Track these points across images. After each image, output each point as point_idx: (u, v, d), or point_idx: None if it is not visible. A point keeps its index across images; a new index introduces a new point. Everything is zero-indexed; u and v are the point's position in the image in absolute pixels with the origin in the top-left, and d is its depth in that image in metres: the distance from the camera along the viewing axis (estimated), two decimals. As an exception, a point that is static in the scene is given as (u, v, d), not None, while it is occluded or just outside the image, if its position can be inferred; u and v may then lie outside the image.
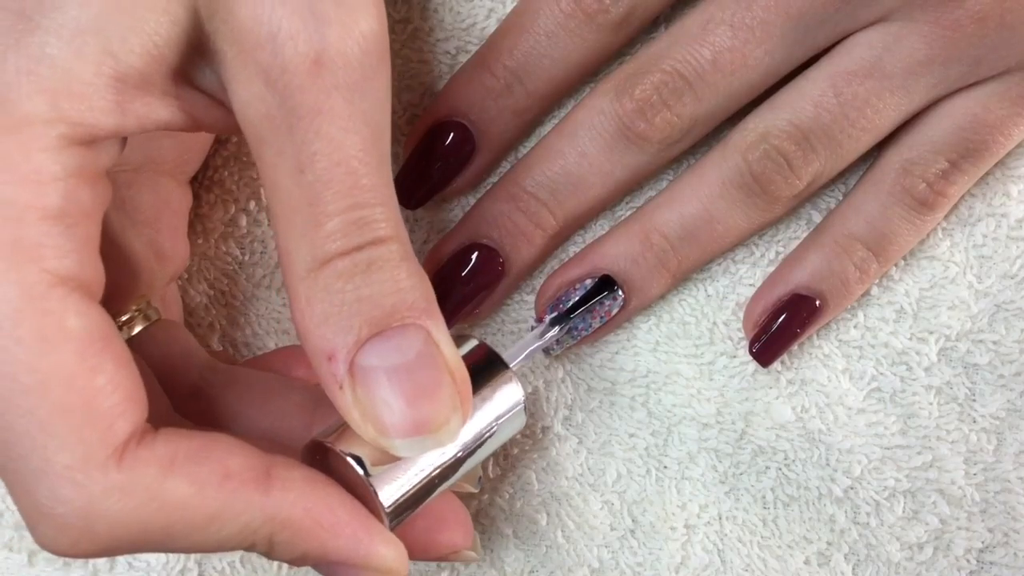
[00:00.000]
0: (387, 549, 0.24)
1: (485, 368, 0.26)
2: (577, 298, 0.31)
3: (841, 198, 0.33)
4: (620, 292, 0.31)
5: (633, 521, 0.34)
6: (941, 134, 0.30)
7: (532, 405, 0.34)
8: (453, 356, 0.23)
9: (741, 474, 0.34)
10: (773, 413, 0.33)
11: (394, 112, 0.32)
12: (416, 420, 0.22)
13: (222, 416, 0.28)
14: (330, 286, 0.22)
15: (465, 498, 0.34)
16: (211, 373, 0.29)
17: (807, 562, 0.34)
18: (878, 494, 0.33)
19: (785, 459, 0.33)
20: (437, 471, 0.25)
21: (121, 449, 0.22)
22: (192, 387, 0.28)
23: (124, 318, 0.28)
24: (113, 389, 0.22)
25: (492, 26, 0.31)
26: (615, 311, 0.31)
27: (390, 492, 0.24)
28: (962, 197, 0.32)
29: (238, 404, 0.28)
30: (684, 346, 0.33)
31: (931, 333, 0.33)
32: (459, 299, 0.32)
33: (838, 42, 0.29)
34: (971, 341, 0.33)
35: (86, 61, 0.21)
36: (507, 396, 0.26)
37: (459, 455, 0.25)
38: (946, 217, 0.33)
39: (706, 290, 0.33)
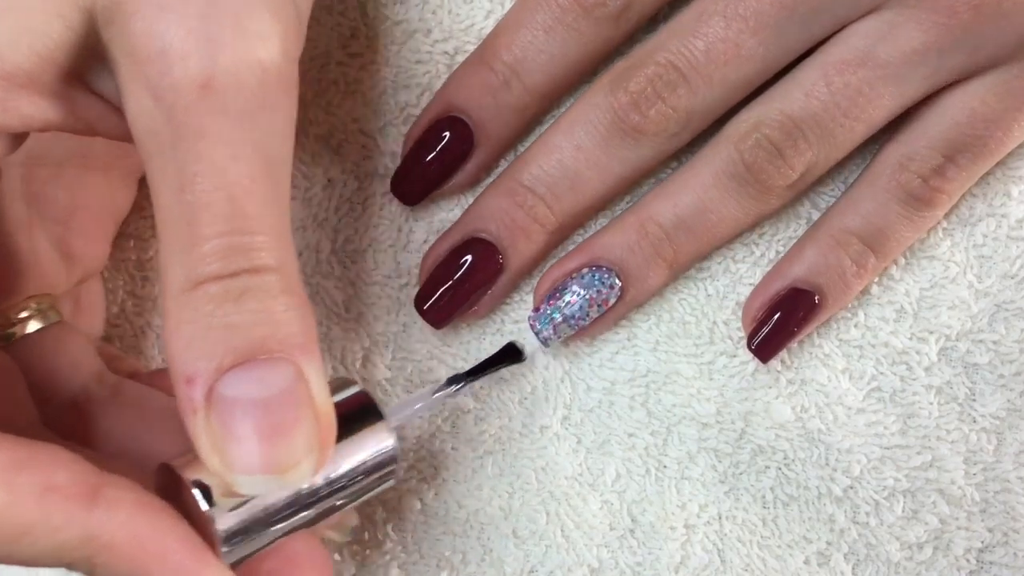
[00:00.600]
0: None
1: (360, 416, 0.25)
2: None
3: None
4: (617, 280, 0.31)
5: (632, 521, 0.34)
6: (937, 129, 0.30)
7: (531, 404, 0.34)
8: (322, 397, 0.22)
9: (741, 474, 0.34)
10: (773, 413, 0.33)
11: (391, 112, 0.32)
12: (265, 458, 0.21)
13: (95, 432, 0.27)
14: (200, 308, 0.21)
15: (480, 514, 0.34)
16: (96, 385, 0.28)
17: (807, 562, 0.34)
18: (878, 494, 0.33)
19: (785, 459, 0.33)
20: (287, 512, 0.24)
21: None
22: (70, 398, 0.27)
23: (21, 315, 0.27)
24: None
25: (490, 27, 0.31)
26: (612, 300, 0.31)
27: (229, 524, 0.23)
28: (963, 197, 0.32)
29: (114, 421, 0.27)
30: (684, 346, 0.33)
31: (931, 333, 0.33)
32: (458, 295, 0.31)
33: (835, 33, 0.29)
34: (971, 341, 0.33)
35: None
36: (379, 449, 0.25)
37: (313, 501, 0.24)
38: (946, 217, 0.32)
39: (706, 289, 0.33)
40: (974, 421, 0.33)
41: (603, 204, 0.32)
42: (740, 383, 0.33)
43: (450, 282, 0.31)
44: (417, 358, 0.34)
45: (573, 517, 0.34)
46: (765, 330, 0.32)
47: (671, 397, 0.34)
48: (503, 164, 0.33)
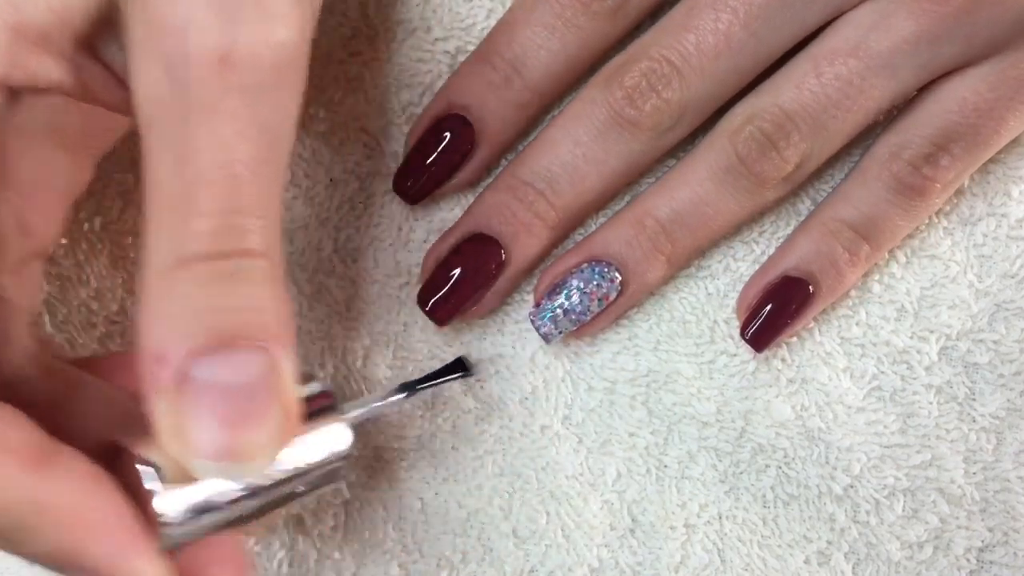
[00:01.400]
0: (149, 568, 0.22)
1: (320, 413, 0.25)
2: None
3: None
4: (617, 275, 0.31)
5: (633, 520, 0.34)
6: (928, 117, 0.30)
7: (531, 404, 0.34)
8: (290, 391, 0.22)
9: (741, 473, 0.34)
10: (773, 412, 0.33)
11: (392, 111, 0.32)
12: (227, 445, 0.21)
13: (33, 415, 0.26)
14: (184, 288, 0.21)
15: (481, 513, 0.34)
16: (29, 365, 0.27)
17: (807, 561, 0.34)
18: (878, 493, 0.33)
19: (785, 458, 0.33)
20: (232, 502, 0.23)
21: None
22: (5, 376, 0.26)
23: None
24: None
25: (491, 26, 0.31)
26: (613, 295, 0.31)
27: (172, 507, 0.23)
28: (963, 196, 0.32)
29: (47, 401, 0.26)
30: (684, 345, 0.33)
31: (932, 332, 0.33)
32: (462, 292, 0.32)
33: (829, 22, 0.29)
34: (971, 340, 0.33)
35: None
36: (335, 446, 0.25)
37: (260, 492, 0.24)
38: (947, 216, 0.33)
39: (707, 288, 0.33)
40: (974, 420, 0.33)
41: (602, 200, 0.32)
42: (740, 382, 0.33)
43: (453, 279, 0.31)
44: (418, 357, 0.34)
45: (573, 517, 0.34)
46: (759, 320, 0.32)
47: (671, 396, 0.34)
48: (503, 163, 0.33)
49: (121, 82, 0.23)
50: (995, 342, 0.33)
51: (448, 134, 0.31)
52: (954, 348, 0.33)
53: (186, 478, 0.23)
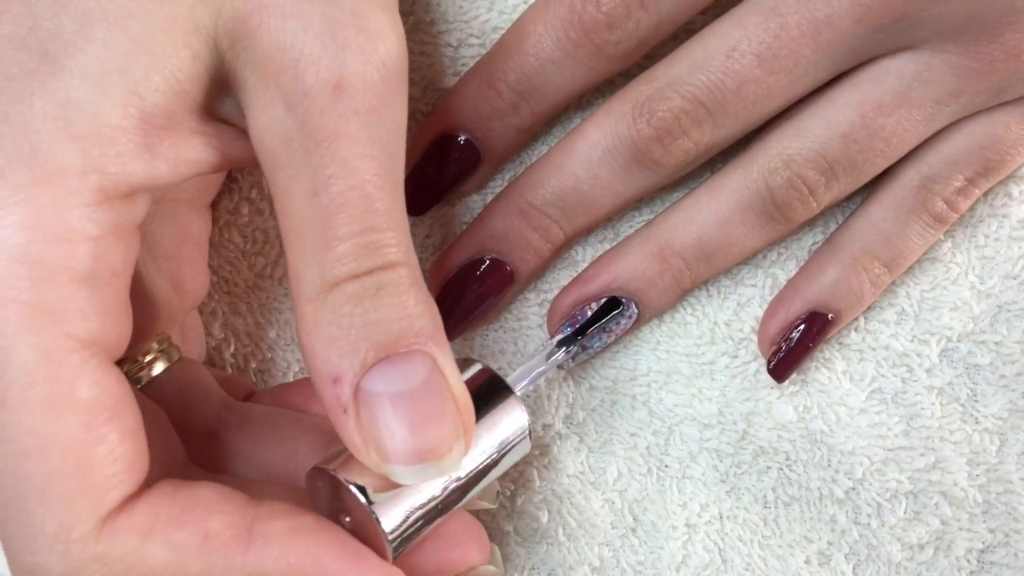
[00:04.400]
0: None
1: (489, 393, 0.26)
2: (585, 320, 0.31)
3: (844, 200, 0.32)
4: (635, 309, 0.31)
5: (634, 520, 0.34)
6: (961, 153, 0.30)
7: (533, 403, 0.34)
8: (458, 383, 0.23)
9: (742, 474, 0.34)
10: (775, 413, 0.33)
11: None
12: (419, 448, 0.22)
13: (236, 458, 0.28)
14: (338, 309, 0.22)
15: (482, 513, 0.34)
16: (226, 413, 0.29)
17: (807, 562, 0.34)
18: (880, 495, 0.33)
19: (786, 459, 0.33)
20: (441, 498, 0.25)
21: (105, 519, 0.22)
22: (209, 429, 0.28)
23: (146, 359, 0.28)
24: (113, 460, 0.22)
25: (494, 19, 0.31)
26: (630, 327, 0.32)
27: (393, 520, 0.24)
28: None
29: (251, 446, 0.28)
30: (685, 345, 0.33)
31: (932, 334, 0.33)
32: (467, 308, 0.31)
33: (864, 63, 0.29)
34: (973, 342, 0.33)
35: (113, 103, 0.21)
36: (511, 421, 0.26)
37: (463, 482, 0.25)
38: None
39: (707, 290, 0.33)
40: (977, 422, 0.33)
41: (609, 220, 0.32)
42: (742, 383, 0.33)
43: (460, 302, 0.31)
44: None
45: (575, 515, 0.34)
46: (782, 353, 0.32)
47: (673, 397, 0.33)
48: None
49: (243, 134, 0.24)
50: (997, 343, 0.33)
51: (453, 154, 0.31)
52: (955, 350, 0.33)
53: (391, 486, 0.24)
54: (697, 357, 0.33)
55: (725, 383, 0.33)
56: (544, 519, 0.34)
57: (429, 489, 0.25)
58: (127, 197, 0.22)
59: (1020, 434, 0.33)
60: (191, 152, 0.23)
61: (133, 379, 0.27)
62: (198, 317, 0.33)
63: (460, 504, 0.25)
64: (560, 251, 0.32)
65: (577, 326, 0.31)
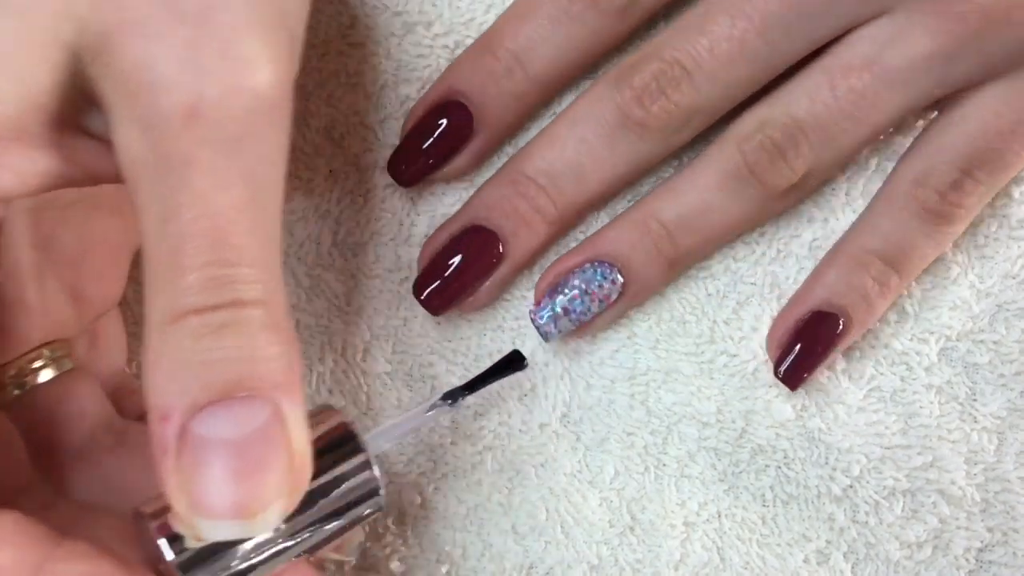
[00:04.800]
0: None
1: (340, 448, 0.24)
2: (478, 375, 0.29)
3: (844, 197, 0.32)
4: (619, 276, 0.31)
5: (632, 518, 0.34)
6: (952, 143, 0.30)
7: (530, 401, 0.34)
8: (300, 438, 0.21)
9: (740, 472, 0.34)
10: (773, 412, 0.33)
11: (391, 105, 0.32)
12: (233, 502, 0.20)
13: (96, 481, 0.27)
14: (179, 343, 0.20)
15: (480, 509, 0.34)
16: (102, 434, 0.27)
17: (806, 560, 0.34)
18: (878, 494, 0.33)
19: (784, 458, 0.33)
20: (261, 554, 0.23)
21: None
22: (76, 448, 0.27)
23: (32, 365, 0.27)
24: None
25: (491, 21, 0.31)
26: (614, 296, 0.31)
27: (194, 572, 0.22)
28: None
29: (117, 470, 0.27)
30: (684, 344, 0.33)
31: (932, 333, 0.33)
32: (457, 282, 0.31)
33: (843, 35, 0.29)
34: (972, 341, 0.33)
35: None
36: (358, 481, 0.24)
37: (289, 539, 0.23)
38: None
39: (706, 288, 0.33)
40: (975, 421, 0.33)
41: (604, 199, 0.32)
42: (740, 382, 0.33)
43: (450, 270, 0.31)
44: (417, 352, 0.34)
45: (573, 514, 0.34)
46: (791, 357, 0.32)
47: (671, 395, 0.33)
48: (501, 159, 0.33)
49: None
50: (995, 342, 0.33)
51: (446, 119, 0.31)
52: (954, 349, 0.33)
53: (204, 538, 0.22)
54: (696, 356, 0.33)
55: (724, 382, 0.33)
56: (542, 517, 0.34)
57: (248, 544, 0.23)
58: None
59: (1018, 433, 0.33)
60: (46, 164, 0.22)
61: (16, 384, 0.26)
62: (120, 326, 0.31)
63: (286, 561, 0.24)
64: (553, 230, 0.32)
65: (468, 382, 0.29)
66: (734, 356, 0.33)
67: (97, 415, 0.27)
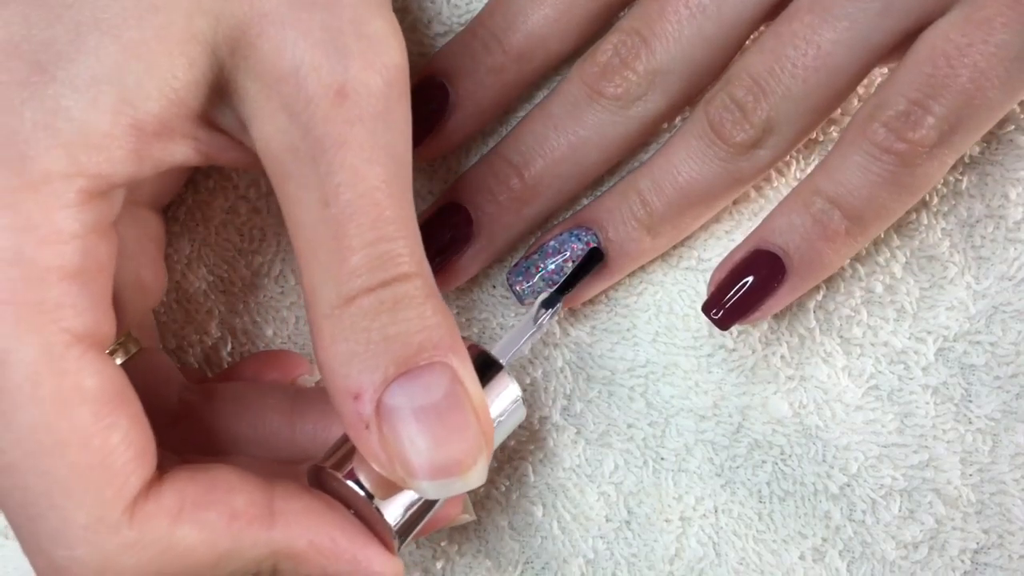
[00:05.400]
0: (383, 567, 0.25)
1: (480, 370, 0.26)
2: (565, 277, 0.31)
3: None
4: (594, 239, 0.31)
5: (629, 512, 0.34)
6: (903, 73, 0.28)
7: (530, 395, 0.34)
8: (477, 393, 0.23)
9: (737, 467, 0.34)
10: (770, 408, 0.33)
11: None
12: (444, 462, 0.22)
13: (204, 436, 0.28)
14: (356, 324, 0.22)
15: (479, 509, 0.34)
16: (189, 395, 0.29)
17: (802, 557, 0.34)
18: (874, 492, 0.33)
19: (781, 454, 0.33)
20: None
21: (132, 505, 0.22)
22: (172, 414, 0.28)
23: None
24: (127, 446, 0.22)
25: (495, 18, 0.32)
26: (595, 264, 0.31)
27: (395, 514, 0.25)
28: (960, 198, 0.33)
29: (217, 420, 0.28)
30: (683, 338, 0.33)
31: (929, 333, 0.33)
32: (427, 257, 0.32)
33: None
34: (968, 342, 0.33)
35: (102, 111, 0.21)
36: (505, 396, 0.26)
37: None
38: (945, 217, 0.33)
39: (706, 282, 0.33)
40: (970, 422, 0.33)
41: (576, 171, 0.32)
42: (738, 377, 0.33)
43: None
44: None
45: (570, 509, 0.34)
46: (729, 296, 0.30)
47: (670, 389, 0.34)
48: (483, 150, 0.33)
49: (237, 143, 0.24)
50: (992, 344, 0.33)
51: (424, 96, 0.31)
52: (951, 349, 0.33)
53: (393, 488, 0.25)
54: (695, 350, 0.33)
55: (722, 376, 0.33)
56: (539, 512, 0.34)
57: None
58: (106, 194, 0.22)
59: (1014, 436, 0.33)
60: (179, 155, 0.23)
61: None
62: (150, 314, 0.33)
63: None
64: (527, 207, 0.32)
65: (558, 284, 0.31)
66: (732, 351, 0.33)
67: (178, 381, 0.29)
